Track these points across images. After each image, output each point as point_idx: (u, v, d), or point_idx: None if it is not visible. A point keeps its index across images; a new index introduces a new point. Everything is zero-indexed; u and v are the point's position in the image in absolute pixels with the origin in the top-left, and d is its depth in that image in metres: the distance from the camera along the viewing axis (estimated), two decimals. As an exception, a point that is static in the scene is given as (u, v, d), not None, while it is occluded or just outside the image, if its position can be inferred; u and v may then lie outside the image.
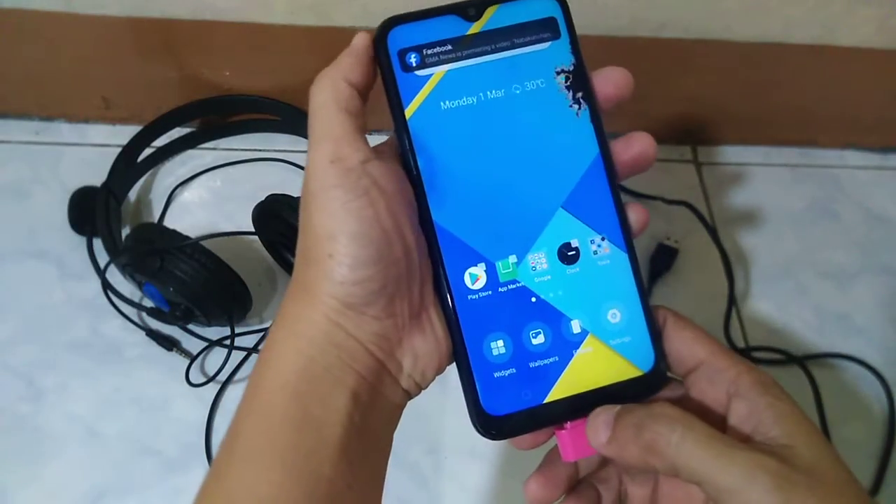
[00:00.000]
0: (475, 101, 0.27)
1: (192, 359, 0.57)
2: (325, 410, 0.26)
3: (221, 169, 0.68)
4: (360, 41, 0.27)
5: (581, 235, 0.27)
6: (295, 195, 0.54)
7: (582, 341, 0.27)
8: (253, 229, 0.57)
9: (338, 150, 0.26)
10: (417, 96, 0.27)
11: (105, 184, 0.60)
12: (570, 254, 0.27)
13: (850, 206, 0.70)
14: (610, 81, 0.29)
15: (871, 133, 0.73)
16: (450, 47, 0.27)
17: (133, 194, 0.66)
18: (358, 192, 0.26)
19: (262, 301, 0.60)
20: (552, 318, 0.27)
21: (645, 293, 0.28)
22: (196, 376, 0.56)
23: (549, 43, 0.28)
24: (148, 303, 0.57)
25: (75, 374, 0.56)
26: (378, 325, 0.27)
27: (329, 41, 0.61)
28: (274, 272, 0.62)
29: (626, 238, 0.28)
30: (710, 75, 0.66)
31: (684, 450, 0.24)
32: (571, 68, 0.28)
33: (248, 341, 0.58)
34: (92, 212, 0.59)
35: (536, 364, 0.27)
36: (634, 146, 0.29)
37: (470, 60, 0.27)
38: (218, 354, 0.57)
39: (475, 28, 0.27)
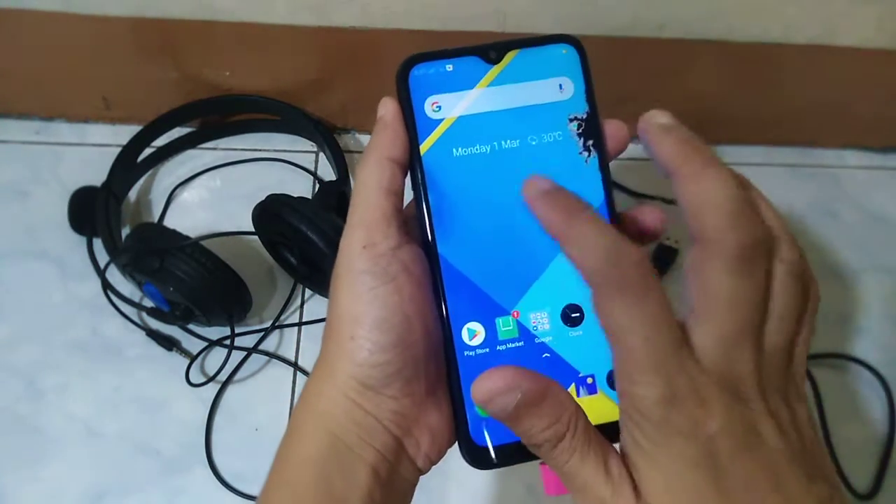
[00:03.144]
0: (487, 145, 0.28)
1: (192, 359, 0.57)
2: (348, 486, 0.27)
3: (221, 169, 0.68)
4: (389, 112, 0.28)
5: (587, 295, 0.26)
6: (295, 195, 0.54)
7: (576, 388, 0.28)
8: (253, 229, 0.57)
9: (371, 236, 0.27)
10: (432, 135, 0.27)
11: (105, 184, 0.60)
12: (574, 316, 0.28)
13: (850, 206, 0.70)
14: (648, 217, 0.28)
15: (871, 133, 0.73)
16: (467, 89, 0.27)
17: (133, 194, 0.66)
18: (386, 278, 0.26)
19: (262, 301, 0.60)
20: (552, 372, 0.28)
21: None
22: (196, 376, 0.56)
23: (567, 89, 0.28)
24: (148, 303, 0.57)
25: (75, 374, 0.56)
26: (396, 403, 0.28)
27: (329, 41, 0.62)
28: (274, 272, 0.62)
29: None
30: (710, 75, 0.66)
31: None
32: (584, 116, 0.28)
33: (248, 341, 0.58)
34: (92, 212, 0.59)
35: None
36: (645, 217, 0.28)
37: (486, 103, 0.28)
38: (218, 354, 0.57)
39: (495, 71, 0.28)
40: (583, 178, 0.28)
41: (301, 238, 0.52)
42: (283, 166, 0.68)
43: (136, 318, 0.58)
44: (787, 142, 0.74)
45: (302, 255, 0.57)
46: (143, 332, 0.57)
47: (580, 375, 0.28)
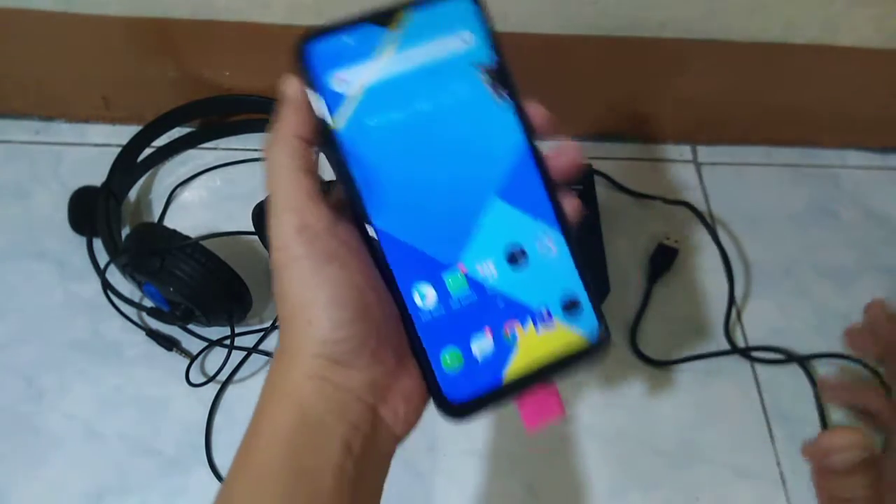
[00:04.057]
0: (400, 108, 0.27)
1: (192, 359, 0.57)
2: (318, 461, 0.26)
3: (221, 169, 0.68)
4: (292, 89, 0.27)
5: (524, 233, 0.28)
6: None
7: (534, 324, 0.28)
8: (253, 229, 0.57)
9: (302, 219, 0.26)
10: (341, 109, 0.27)
11: (105, 184, 0.60)
12: (515, 254, 0.28)
13: (850, 206, 0.70)
14: (564, 157, 0.29)
15: (871, 133, 0.73)
16: (369, 57, 0.27)
17: (133, 194, 0.66)
18: (328, 257, 0.26)
19: (262, 301, 0.60)
20: (507, 313, 0.28)
21: (585, 270, 0.29)
22: (196, 376, 0.56)
23: (469, 43, 0.28)
24: (148, 303, 0.57)
25: (75, 374, 0.56)
26: (367, 374, 0.27)
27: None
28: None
29: (563, 221, 0.29)
30: (710, 75, 0.66)
31: None
32: (492, 65, 0.28)
33: (248, 341, 0.58)
34: (92, 212, 0.59)
35: (490, 355, 0.28)
36: (563, 156, 0.29)
37: (391, 68, 0.27)
38: (218, 354, 0.57)
39: (393, 35, 0.27)
40: (500, 125, 0.28)
41: (301, 238, 0.52)
42: (283, 166, 0.68)
43: (136, 318, 0.58)
44: (787, 142, 0.74)
45: (302, 255, 0.57)
46: (143, 332, 0.57)
47: (535, 310, 0.28)
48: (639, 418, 0.56)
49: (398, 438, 0.29)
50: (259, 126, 0.70)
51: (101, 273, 0.56)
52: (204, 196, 0.66)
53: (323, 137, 0.27)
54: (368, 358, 0.27)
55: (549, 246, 0.29)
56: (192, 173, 0.67)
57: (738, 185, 0.71)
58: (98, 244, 0.59)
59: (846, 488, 0.28)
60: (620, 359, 0.59)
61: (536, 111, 0.29)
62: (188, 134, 0.68)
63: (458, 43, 0.28)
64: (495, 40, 0.28)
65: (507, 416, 0.53)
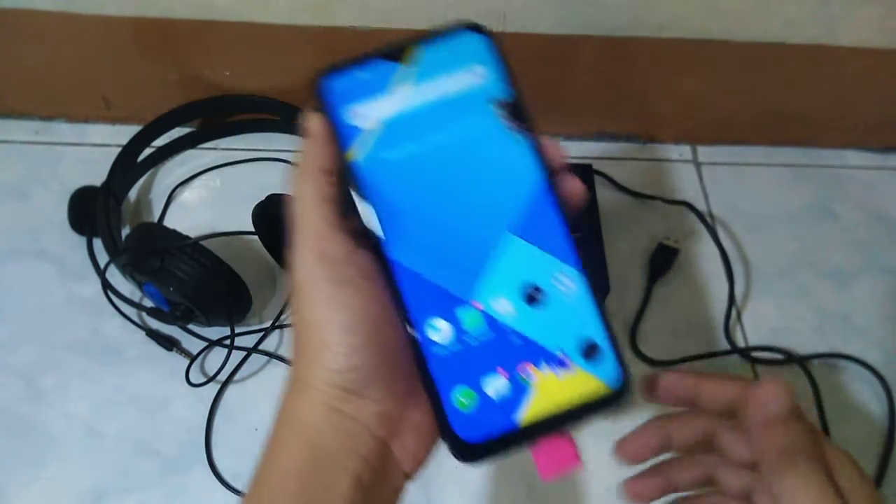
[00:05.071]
0: (416, 142, 0.28)
1: (192, 359, 0.57)
2: (329, 497, 0.26)
3: (221, 169, 0.68)
4: (314, 125, 0.28)
5: (540, 270, 0.28)
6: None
7: (551, 367, 0.28)
8: (253, 229, 0.57)
9: (321, 245, 0.27)
10: (359, 142, 0.27)
11: (105, 184, 0.60)
12: (533, 294, 0.28)
13: (850, 206, 0.70)
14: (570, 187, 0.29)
15: (871, 133, 0.73)
16: (384, 92, 0.27)
17: (133, 194, 0.66)
18: (344, 282, 0.26)
19: (262, 301, 0.60)
20: (523, 354, 0.28)
21: (606, 314, 0.28)
22: (196, 376, 0.56)
23: (482, 77, 0.28)
24: (148, 303, 0.57)
25: (75, 374, 0.56)
26: (379, 405, 0.27)
27: (329, 41, 0.62)
28: (274, 272, 0.62)
29: (581, 260, 0.28)
30: (710, 75, 0.66)
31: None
32: (506, 99, 0.28)
33: (248, 341, 0.58)
34: (92, 212, 0.59)
35: (505, 396, 0.27)
36: (567, 186, 0.29)
37: (406, 103, 0.27)
38: (218, 354, 0.57)
39: (407, 70, 0.27)
40: (515, 159, 0.28)
41: (301, 238, 0.52)
42: (283, 166, 0.68)
43: (136, 318, 0.58)
44: (787, 142, 0.74)
45: (302, 255, 0.57)
46: (143, 332, 0.57)
47: (552, 352, 0.27)
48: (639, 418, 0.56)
49: (407, 475, 0.29)
50: (259, 126, 0.70)
51: (101, 273, 0.56)
52: (204, 196, 0.67)
53: (341, 170, 0.28)
54: (381, 388, 0.27)
55: (566, 285, 0.28)
56: (192, 173, 0.67)
57: (738, 185, 0.71)
58: (98, 244, 0.59)
59: (793, 434, 0.28)
60: (620, 359, 0.59)
61: (552, 147, 0.29)
62: (188, 134, 0.68)
63: (472, 77, 0.28)
64: (509, 74, 0.28)
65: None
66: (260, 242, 0.59)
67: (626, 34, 0.62)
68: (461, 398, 0.27)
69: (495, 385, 0.27)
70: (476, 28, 0.28)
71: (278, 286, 0.61)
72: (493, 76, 0.28)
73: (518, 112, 0.28)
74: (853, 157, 0.74)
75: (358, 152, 0.27)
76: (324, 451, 0.27)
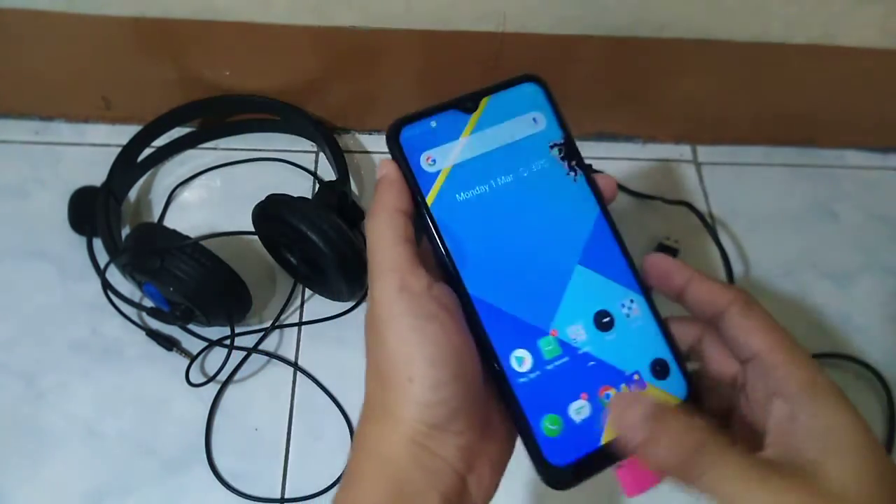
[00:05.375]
0: (485, 185, 0.30)
1: (192, 359, 0.57)
2: None
3: (221, 169, 0.68)
4: (391, 171, 0.29)
5: (608, 298, 0.30)
6: (295, 195, 0.54)
7: (627, 388, 0.30)
8: (253, 229, 0.57)
9: (403, 279, 0.28)
10: (434, 187, 0.29)
11: (105, 184, 0.60)
12: (605, 321, 0.30)
13: (850, 206, 0.70)
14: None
15: (871, 133, 0.73)
16: (454, 139, 0.30)
17: (133, 194, 0.66)
18: (428, 316, 0.27)
19: (262, 301, 0.60)
20: (601, 377, 0.29)
21: (669, 331, 0.31)
22: (196, 376, 0.56)
23: (539, 122, 0.31)
24: (148, 303, 0.57)
25: (75, 374, 0.56)
26: (461, 438, 0.28)
27: (329, 41, 0.62)
28: (274, 272, 0.62)
29: (642, 284, 0.31)
30: (710, 75, 0.66)
31: (711, 477, 0.25)
32: (562, 141, 0.31)
33: (248, 341, 0.58)
34: (92, 212, 0.59)
35: (588, 419, 0.29)
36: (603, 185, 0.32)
37: (474, 148, 0.30)
38: (218, 354, 0.57)
39: (474, 119, 0.30)
40: (575, 196, 0.31)
41: (301, 238, 0.52)
42: (283, 166, 0.68)
43: (136, 318, 0.58)
44: (787, 142, 0.74)
45: (302, 255, 0.57)
46: (143, 332, 0.57)
47: (627, 374, 0.30)
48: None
49: None
50: (259, 126, 0.70)
51: (101, 273, 0.56)
52: (204, 196, 0.67)
53: (417, 213, 0.29)
54: (463, 421, 0.28)
55: (632, 309, 0.30)
56: (192, 173, 0.67)
57: (738, 185, 0.71)
58: (98, 244, 0.59)
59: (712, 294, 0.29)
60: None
61: (605, 181, 0.31)
62: (188, 134, 0.68)
63: (530, 123, 0.30)
64: (561, 118, 0.31)
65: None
66: (260, 242, 0.59)
67: (626, 34, 0.62)
68: (549, 425, 0.28)
69: (579, 409, 0.29)
70: (534, 78, 0.31)
71: (278, 286, 0.61)
72: (548, 120, 0.31)
73: (572, 151, 0.31)
74: (853, 157, 0.74)
75: (432, 195, 0.29)
76: (408, 489, 0.27)
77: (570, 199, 0.30)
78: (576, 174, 0.31)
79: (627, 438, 0.27)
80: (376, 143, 0.71)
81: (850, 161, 0.73)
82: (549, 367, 0.29)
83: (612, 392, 0.29)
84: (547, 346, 0.29)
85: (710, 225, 0.66)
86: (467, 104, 0.30)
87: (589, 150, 0.72)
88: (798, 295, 0.63)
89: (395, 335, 0.27)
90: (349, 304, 0.60)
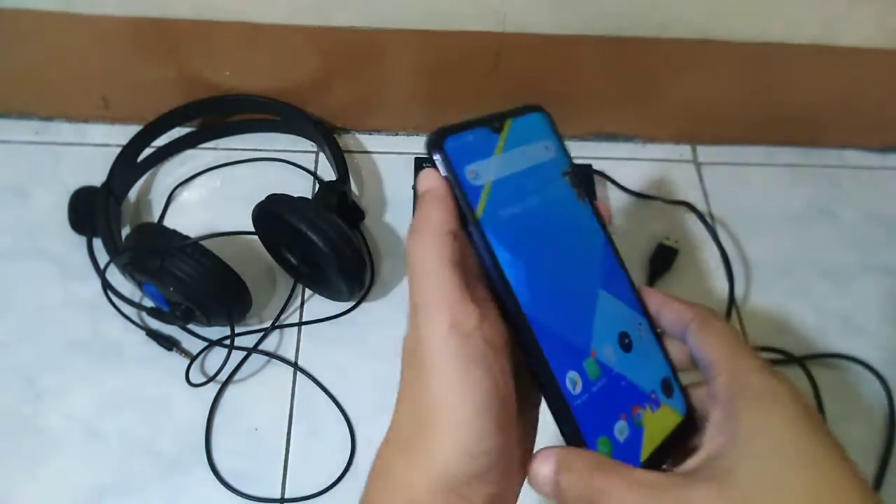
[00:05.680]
0: (519, 204, 0.29)
1: (192, 359, 0.57)
2: None
3: (221, 169, 0.68)
4: (437, 185, 0.27)
5: (627, 320, 0.31)
6: (295, 195, 0.54)
7: (651, 406, 0.30)
8: (253, 229, 0.57)
9: (455, 316, 0.26)
10: (481, 201, 0.28)
11: (105, 184, 0.60)
12: (626, 342, 0.30)
13: (850, 206, 0.70)
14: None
15: (871, 133, 0.73)
16: (489, 156, 0.29)
17: (133, 194, 0.66)
18: (477, 360, 0.26)
19: (262, 301, 0.60)
20: (632, 397, 0.30)
21: (668, 354, 0.32)
22: (196, 376, 0.56)
23: (551, 150, 0.31)
24: (148, 303, 0.57)
25: (75, 374, 0.56)
26: (494, 486, 0.27)
27: (329, 41, 0.62)
28: (274, 272, 0.62)
29: (644, 307, 0.32)
30: (710, 75, 0.66)
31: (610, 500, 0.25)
32: (570, 168, 0.31)
33: (248, 341, 0.58)
34: (92, 212, 0.59)
35: (629, 438, 0.30)
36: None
37: (504, 167, 0.29)
38: (218, 354, 0.57)
39: (502, 139, 0.30)
40: (587, 222, 0.31)
41: (301, 238, 0.52)
42: (283, 166, 0.68)
43: (136, 318, 0.58)
44: (787, 142, 0.74)
45: (302, 255, 0.57)
46: (143, 332, 0.57)
47: (647, 393, 0.30)
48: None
49: None
50: (259, 126, 0.70)
51: (101, 273, 0.56)
52: (204, 196, 0.67)
53: (465, 229, 0.28)
54: (499, 471, 0.26)
55: (643, 331, 0.31)
56: (192, 173, 0.67)
57: (738, 185, 0.71)
58: (98, 244, 0.59)
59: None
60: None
61: (603, 207, 0.32)
62: (188, 134, 0.68)
63: (544, 149, 0.31)
64: (566, 148, 0.31)
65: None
66: (260, 242, 0.59)
67: (626, 34, 0.62)
68: (603, 448, 0.28)
69: (621, 430, 0.29)
70: (540, 108, 0.31)
71: (278, 286, 0.61)
72: (557, 149, 0.31)
73: (579, 179, 0.31)
74: (853, 157, 0.74)
75: (480, 209, 0.28)
76: None
77: (583, 224, 0.31)
78: (584, 201, 0.31)
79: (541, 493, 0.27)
80: (376, 143, 0.71)
81: (850, 161, 0.73)
82: (594, 388, 0.29)
83: (641, 412, 0.30)
84: (590, 368, 0.29)
85: (710, 225, 0.66)
86: (495, 124, 0.30)
87: (589, 150, 0.72)
88: (798, 295, 0.63)
89: (441, 380, 0.26)
90: (349, 304, 0.60)
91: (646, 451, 0.29)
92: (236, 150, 0.69)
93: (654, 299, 0.31)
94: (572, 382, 0.28)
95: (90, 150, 0.68)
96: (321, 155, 0.69)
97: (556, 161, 0.31)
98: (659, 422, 0.30)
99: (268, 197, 0.55)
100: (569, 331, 0.29)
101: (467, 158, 0.28)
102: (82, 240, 0.61)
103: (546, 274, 0.29)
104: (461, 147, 0.28)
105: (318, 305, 0.60)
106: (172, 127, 0.67)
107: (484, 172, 0.28)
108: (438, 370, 0.26)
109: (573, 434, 0.28)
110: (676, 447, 0.30)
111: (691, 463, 0.27)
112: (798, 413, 0.26)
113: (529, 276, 0.28)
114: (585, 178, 0.32)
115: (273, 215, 0.54)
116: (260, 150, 0.68)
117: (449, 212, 0.27)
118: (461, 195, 0.28)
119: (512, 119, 0.30)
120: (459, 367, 0.25)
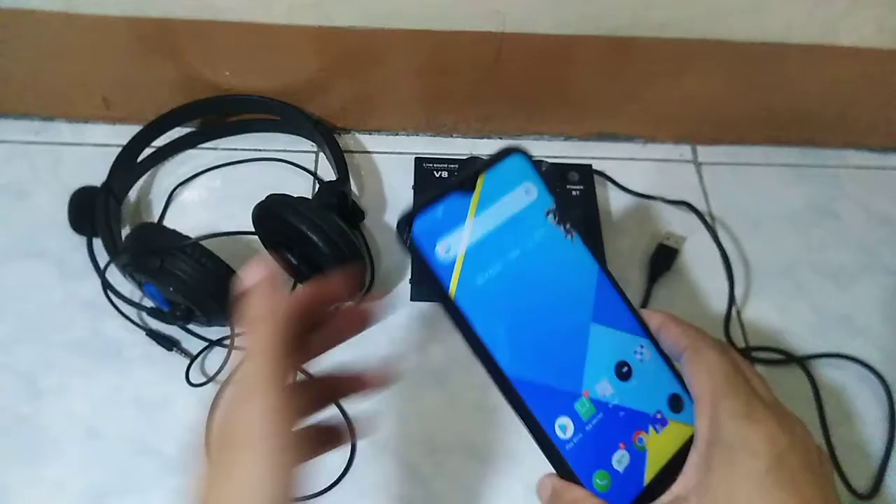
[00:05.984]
0: (497, 263, 0.30)
1: (192, 359, 0.57)
2: None
3: (221, 169, 0.68)
4: (263, 277, 0.33)
5: (623, 348, 0.31)
6: (295, 195, 0.54)
7: (654, 428, 0.31)
8: (253, 229, 0.57)
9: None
10: (454, 275, 0.29)
11: (105, 184, 0.60)
12: (624, 371, 0.31)
13: (850, 206, 0.70)
14: None
15: (871, 133, 0.73)
16: (461, 221, 0.29)
17: (133, 194, 0.66)
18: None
19: (262, 301, 0.60)
20: (632, 425, 0.31)
21: (675, 368, 0.32)
22: (196, 376, 0.56)
23: (531, 192, 0.31)
24: (148, 303, 0.57)
25: (75, 374, 0.56)
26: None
27: (329, 41, 0.62)
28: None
29: (645, 327, 0.32)
30: (710, 75, 0.66)
31: None
32: (554, 206, 0.31)
33: (248, 341, 0.58)
34: (92, 212, 0.59)
35: (631, 465, 0.31)
36: None
37: (480, 228, 0.29)
38: (218, 354, 0.57)
39: (475, 198, 0.30)
40: (575, 257, 0.31)
41: (301, 238, 0.52)
42: (283, 166, 0.68)
43: (136, 318, 0.58)
44: (787, 142, 0.74)
45: (302, 255, 0.57)
46: (143, 332, 0.57)
47: (651, 415, 0.31)
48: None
49: None
50: (259, 126, 0.70)
51: (101, 273, 0.56)
52: (204, 196, 0.67)
53: (443, 305, 0.29)
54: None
55: (644, 354, 0.32)
56: (192, 173, 0.67)
57: (738, 185, 0.71)
58: (98, 244, 0.59)
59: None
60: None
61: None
62: (188, 134, 0.68)
63: (524, 194, 0.31)
64: (547, 184, 0.31)
65: (505, 416, 0.53)
66: (260, 242, 0.59)
67: (626, 34, 0.62)
68: (599, 482, 0.30)
69: (620, 459, 0.30)
70: (517, 150, 0.31)
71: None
72: (538, 189, 0.31)
73: (564, 214, 0.31)
74: (853, 157, 0.74)
75: (455, 285, 0.29)
76: None
77: (572, 261, 0.31)
78: (572, 236, 0.31)
79: None
80: (376, 143, 0.71)
81: (850, 161, 0.73)
82: (588, 427, 0.30)
83: (643, 436, 0.31)
84: (583, 408, 0.30)
85: (710, 225, 0.66)
86: (465, 184, 0.29)
87: (589, 150, 0.72)
88: (798, 295, 0.63)
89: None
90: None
91: (650, 473, 0.30)
92: (236, 150, 0.69)
93: (653, 321, 0.32)
94: (562, 428, 0.30)
95: (90, 150, 0.68)
96: (321, 155, 0.69)
97: (538, 203, 0.31)
98: (666, 440, 0.31)
99: (268, 197, 0.55)
100: (557, 378, 0.30)
101: (438, 234, 0.28)
102: (82, 240, 0.61)
103: (529, 327, 0.30)
104: (430, 225, 0.28)
105: (318, 305, 0.60)
106: (172, 127, 0.67)
107: (456, 243, 0.29)
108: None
109: (567, 474, 0.30)
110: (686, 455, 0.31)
111: (664, 499, 0.29)
112: (768, 466, 0.27)
113: (511, 335, 0.29)
114: (573, 213, 0.32)
115: (273, 215, 0.54)
116: (260, 150, 0.68)
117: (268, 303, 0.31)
118: (432, 278, 0.28)
119: (486, 171, 0.30)
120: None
